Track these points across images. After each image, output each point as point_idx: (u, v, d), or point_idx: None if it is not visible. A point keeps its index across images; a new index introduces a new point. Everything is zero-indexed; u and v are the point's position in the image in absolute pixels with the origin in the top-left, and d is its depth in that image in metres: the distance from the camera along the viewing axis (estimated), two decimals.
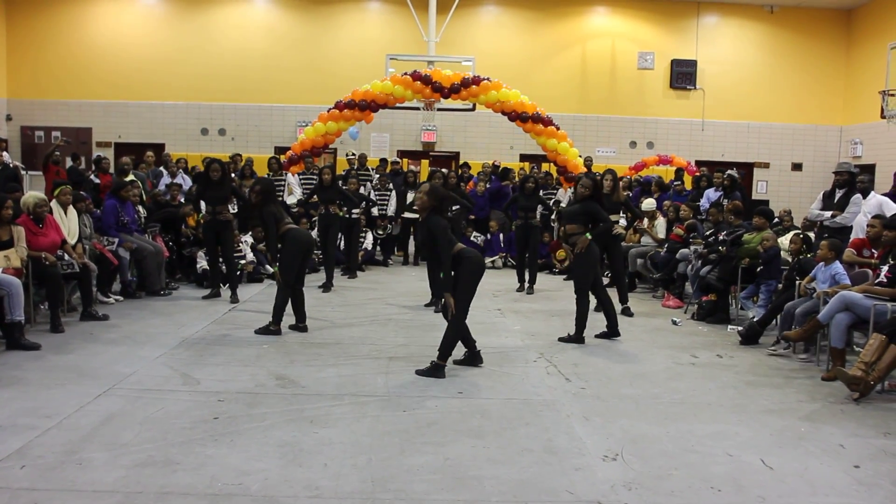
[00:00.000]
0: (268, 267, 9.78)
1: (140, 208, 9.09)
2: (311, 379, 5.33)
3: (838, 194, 8.11)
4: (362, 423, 4.43)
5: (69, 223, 7.55)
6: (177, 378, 5.26)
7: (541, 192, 11.60)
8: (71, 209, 7.68)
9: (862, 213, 7.75)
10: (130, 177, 9.77)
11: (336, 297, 8.99)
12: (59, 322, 6.62)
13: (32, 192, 7.24)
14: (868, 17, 17.11)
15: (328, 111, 12.63)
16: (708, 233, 8.77)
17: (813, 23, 17.72)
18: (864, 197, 8.07)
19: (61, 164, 11.03)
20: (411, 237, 12.56)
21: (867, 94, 16.38)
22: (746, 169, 17.73)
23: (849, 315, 5.74)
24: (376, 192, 12.37)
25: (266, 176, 11.17)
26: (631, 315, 8.13)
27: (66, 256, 6.96)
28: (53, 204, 7.43)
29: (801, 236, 7.52)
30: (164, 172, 11.71)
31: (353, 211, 10.76)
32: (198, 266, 9.30)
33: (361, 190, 12.50)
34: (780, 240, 8.07)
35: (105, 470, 3.63)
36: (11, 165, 10.83)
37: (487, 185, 12.93)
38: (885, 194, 8.80)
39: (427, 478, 3.67)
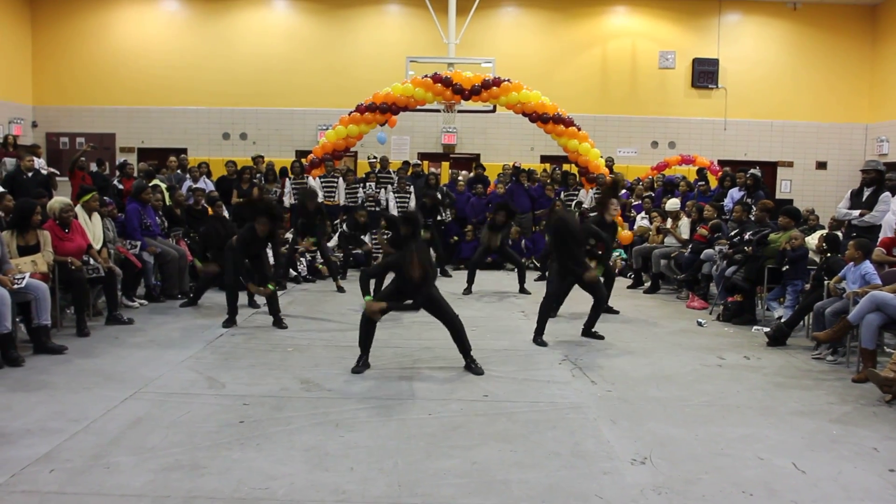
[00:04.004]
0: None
1: (161, 213, 9.13)
2: (336, 382, 5.33)
3: (866, 193, 7.99)
4: (388, 426, 4.41)
5: (94, 228, 7.61)
6: (202, 382, 5.28)
7: (562, 195, 11.81)
8: (95, 214, 7.74)
9: (891, 212, 7.62)
10: (155, 181, 9.84)
11: (358, 299, 8.96)
12: (85, 326, 6.68)
13: (58, 198, 7.31)
14: (893, 11, 16.84)
15: (349, 114, 12.65)
16: (733, 233, 8.66)
17: (837, 19, 17.47)
18: (893, 195, 7.94)
19: (86, 169, 11.12)
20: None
21: (893, 90, 16.12)
22: (770, 168, 17.52)
23: (880, 315, 5.65)
24: (396, 195, 12.38)
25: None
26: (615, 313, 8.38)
27: (92, 261, 7.02)
28: (78, 209, 7.48)
29: (826, 236, 7.42)
30: (187, 177, 11.78)
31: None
32: None
33: (382, 192, 12.55)
34: (807, 239, 7.97)
35: (132, 474, 3.64)
36: (45, 171, 10.94)
37: (508, 186, 12.91)
38: None
39: (454, 482, 3.64)
